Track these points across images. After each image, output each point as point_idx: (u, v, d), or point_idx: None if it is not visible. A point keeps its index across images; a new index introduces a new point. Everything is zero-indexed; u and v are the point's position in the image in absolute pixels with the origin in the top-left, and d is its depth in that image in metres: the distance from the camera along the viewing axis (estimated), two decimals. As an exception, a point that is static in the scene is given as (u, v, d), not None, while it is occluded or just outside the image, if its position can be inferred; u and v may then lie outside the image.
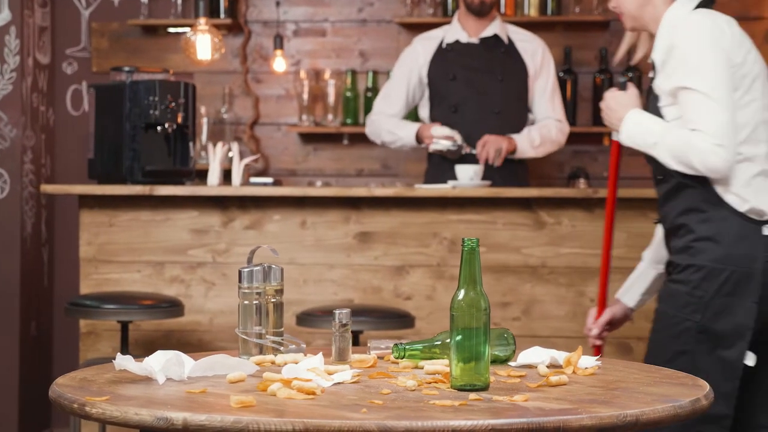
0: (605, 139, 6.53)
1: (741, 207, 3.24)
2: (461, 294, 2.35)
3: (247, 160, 5.17)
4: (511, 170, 5.39)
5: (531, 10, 6.49)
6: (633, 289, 3.66)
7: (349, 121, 6.63)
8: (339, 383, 2.38)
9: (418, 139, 5.46)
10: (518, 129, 5.49)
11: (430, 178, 5.47)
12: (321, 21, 6.75)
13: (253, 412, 2.07)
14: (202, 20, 5.03)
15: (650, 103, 3.40)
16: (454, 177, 5.11)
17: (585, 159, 6.57)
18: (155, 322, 4.95)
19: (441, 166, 5.42)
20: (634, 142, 3.40)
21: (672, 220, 3.36)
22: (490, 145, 5.28)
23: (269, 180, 5.39)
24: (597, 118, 6.46)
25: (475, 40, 5.56)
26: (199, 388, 2.31)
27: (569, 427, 2.05)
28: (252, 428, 2.01)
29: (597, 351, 3.68)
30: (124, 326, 4.65)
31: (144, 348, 4.98)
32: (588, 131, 6.41)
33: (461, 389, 2.32)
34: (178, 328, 4.99)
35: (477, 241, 2.35)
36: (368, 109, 6.59)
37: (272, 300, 2.78)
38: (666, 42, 3.35)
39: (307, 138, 6.74)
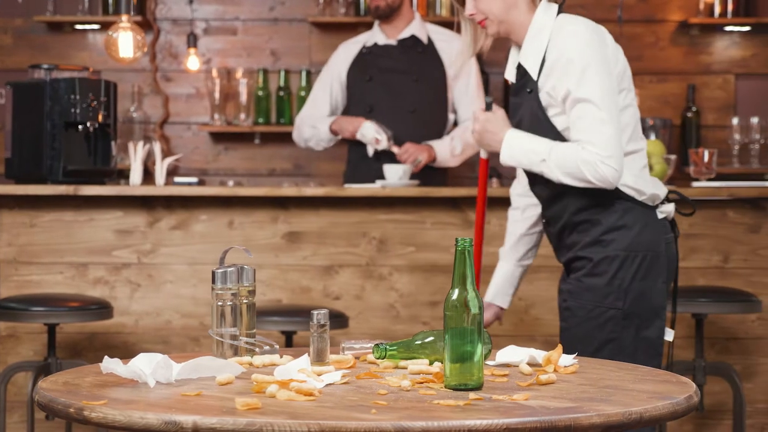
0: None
1: (639, 197, 3.39)
2: (455, 294, 2.36)
3: (170, 160, 5.10)
4: (431, 171, 5.40)
5: (443, 10, 6.52)
6: (503, 290, 3.83)
7: (261, 120, 6.58)
8: (330, 384, 2.37)
9: (334, 130, 5.42)
10: (436, 129, 5.50)
11: (350, 178, 5.45)
12: (232, 19, 6.69)
13: (262, 414, 2.05)
14: (125, 17, 4.93)
15: (534, 112, 3.41)
16: (377, 177, 5.11)
17: (496, 159, 6.57)
18: (79, 324, 4.85)
19: (361, 166, 5.41)
20: (517, 162, 3.44)
21: (569, 218, 3.43)
22: (410, 155, 5.27)
23: (194, 180, 5.33)
24: (508, 118, 6.50)
25: (393, 41, 5.56)
26: (190, 390, 2.27)
27: (579, 425, 2.06)
28: (267, 431, 1.99)
29: None
30: (51, 329, 4.55)
31: (68, 351, 4.88)
32: (500, 131, 6.42)
33: (455, 389, 2.32)
34: (102, 330, 4.90)
35: (470, 241, 2.36)
36: (280, 108, 6.56)
37: (245, 301, 2.76)
38: (552, 50, 3.34)
39: (218, 137, 6.68)
